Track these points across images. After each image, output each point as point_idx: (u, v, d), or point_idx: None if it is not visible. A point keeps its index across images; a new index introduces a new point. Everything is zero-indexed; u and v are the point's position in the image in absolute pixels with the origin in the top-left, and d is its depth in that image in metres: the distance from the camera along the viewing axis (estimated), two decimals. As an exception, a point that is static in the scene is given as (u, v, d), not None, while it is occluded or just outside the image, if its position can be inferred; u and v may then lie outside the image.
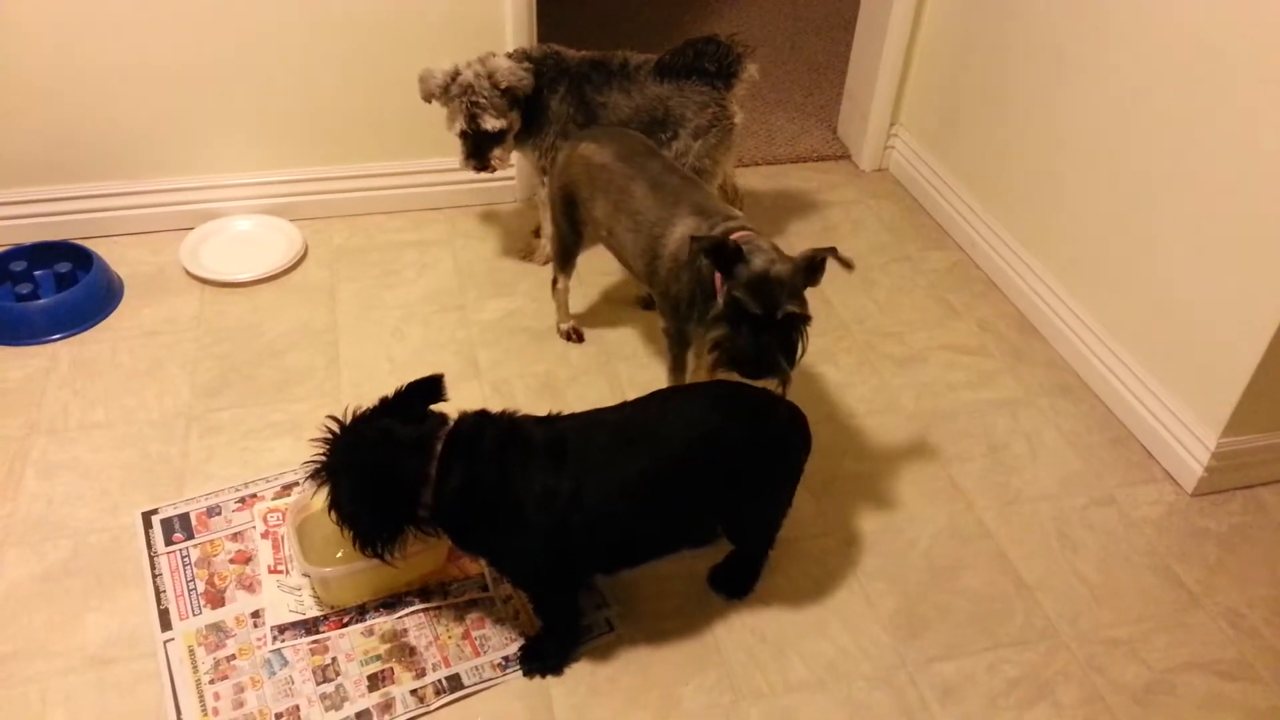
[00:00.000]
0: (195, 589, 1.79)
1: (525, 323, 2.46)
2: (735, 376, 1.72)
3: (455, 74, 2.24)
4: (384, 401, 1.57)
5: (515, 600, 1.80)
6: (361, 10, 2.51)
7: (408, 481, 1.51)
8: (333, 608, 1.77)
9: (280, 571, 1.83)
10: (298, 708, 1.62)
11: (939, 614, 1.83)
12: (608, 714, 1.65)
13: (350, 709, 1.62)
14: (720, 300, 1.73)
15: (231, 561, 1.84)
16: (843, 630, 1.80)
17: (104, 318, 2.39)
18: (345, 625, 1.74)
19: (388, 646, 1.72)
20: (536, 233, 2.69)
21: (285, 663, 1.68)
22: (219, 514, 1.93)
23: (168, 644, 1.70)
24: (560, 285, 2.35)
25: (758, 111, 3.36)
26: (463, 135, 2.30)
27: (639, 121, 2.35)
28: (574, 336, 2.43)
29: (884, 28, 2.90)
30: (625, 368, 2.34)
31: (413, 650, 1.71)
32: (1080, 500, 2.07)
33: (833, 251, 1.69)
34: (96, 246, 2.51)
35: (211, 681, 1.65)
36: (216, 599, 1.78)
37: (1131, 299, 2.22)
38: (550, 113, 2.36)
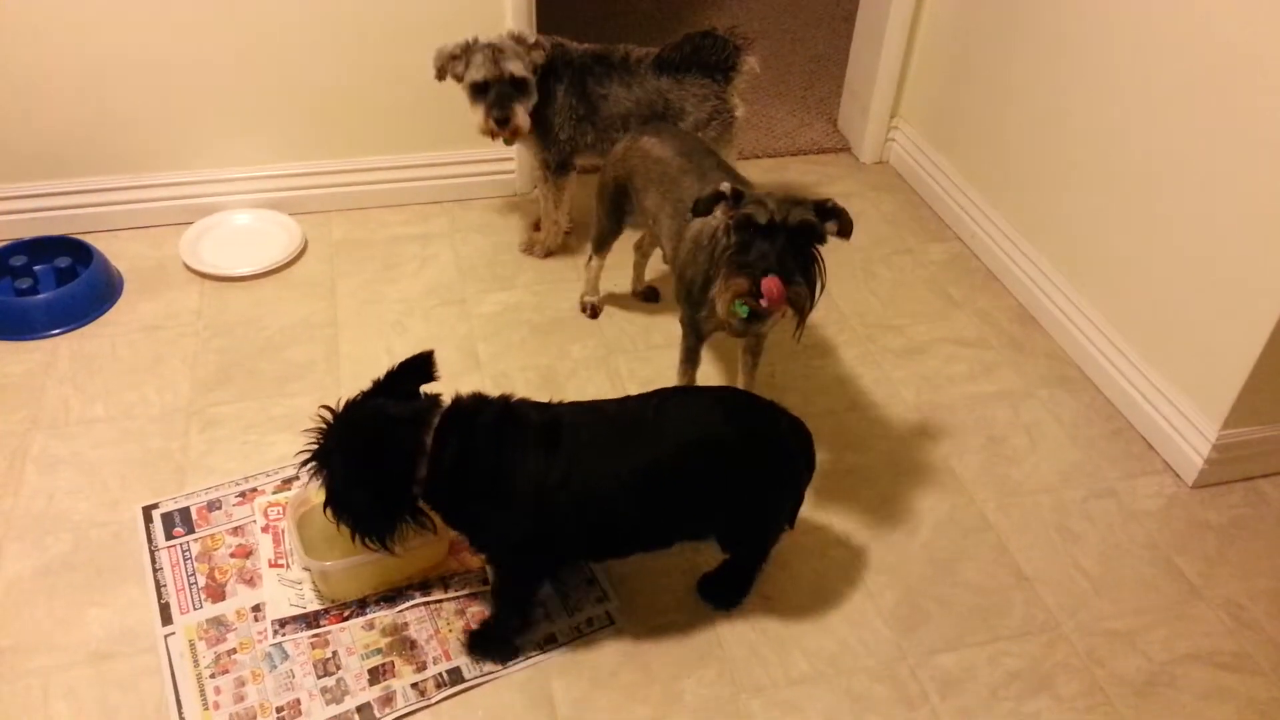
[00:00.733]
0: (196, 583, 1.79)
1: (526, 316, 2.46)
2: (744, 319, 1.63)
3: (475, 39, 2.23)
4: (377, 383, 1.58)
5: (516, 594, 1.80)
6: (361, 3, 2.50)
7: (403, 454, 1.51)
8: (333, 601, 1.77)
9: (281, 565, 1.83)
10: (298, 701, 1.62)
11: (939, 606, 1.83)
12: (608, 707, 1.65)
13: (351, 702, 1.62)
14: (730, 238, 1.66)
15: (232, 556, 1.84)
16: (843, 623, 1.80)
17: (104, 312, 2.39)
18: (346, 619, 1.75)
19: (388, 640, 1.72)
20: (536, 226, 2.69)
21: (286, 656, 1.69)
22: (219, 508, 1.93)
23: (168, 638, 1.70)
24: (594, 264, 2.38)
25: (758, 104, 3.35)
26: (482, 86, 2.22)
27: (640, 114, 2.35)
28: (589, 310, 2.44)
29: (884, 20, 2.89)
30: (625, 361, 2.34)
31: (413, 644, 1.71)
32: (1080, 492, 2.07)
33: (839, 207, 1.65)
34: (96, 241, 2.51)
35: (212, 675, 1.65)
36: (217, 593, 1.78)
37: (1132, 291, 2.22)
38: (554, 104, 2.36)
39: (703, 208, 1.72)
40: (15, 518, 1.90)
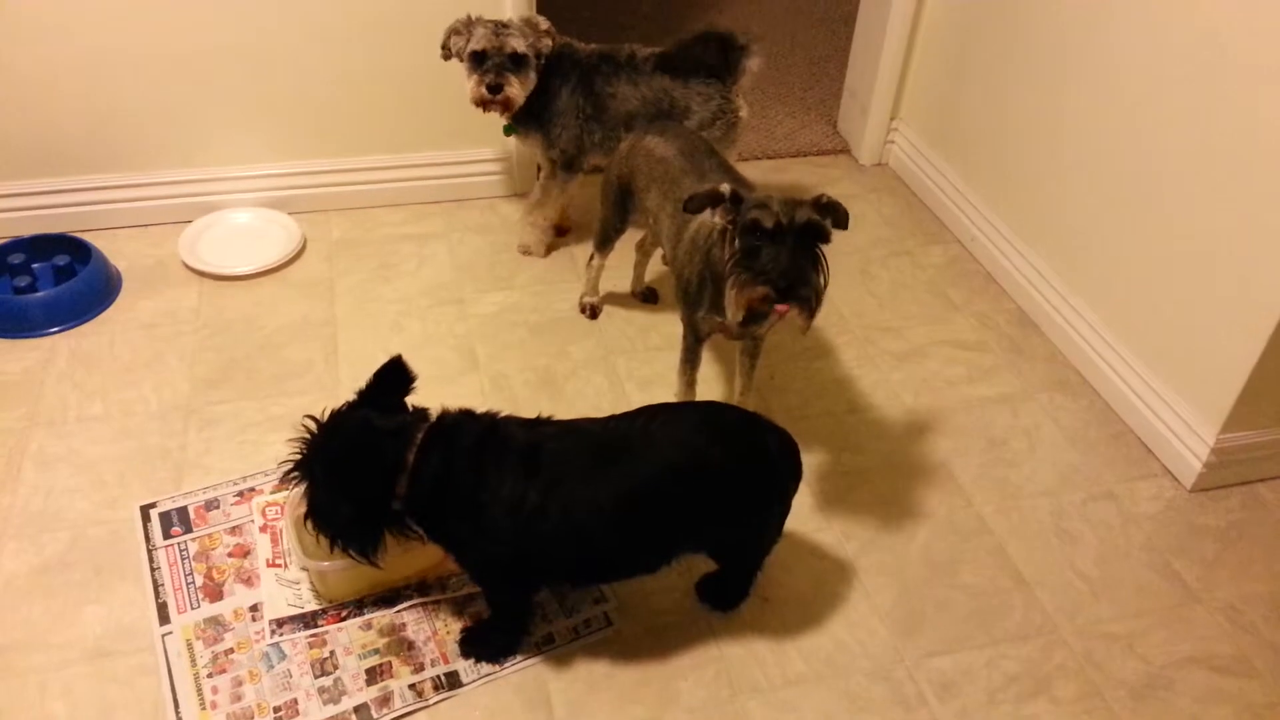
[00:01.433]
0: (193, 582, 1.79)
1: (524, 316, 2.46)
2: (761, 307, 1.63)
3: (481, 16, 2.24)
4: (362, 393, 1.57)
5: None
6: (361, 3, 2.50)
7: (385, 467, 1.50)
8: (331, 601, 1.77)
9: (279, 565, 1.83)
10: (296, 701, 1.62)
11: (937, 609, 1.84)
12: (606, 709, 1.65)
13: (348, 703, 1.62)
14: (736, 244, 1.67)
15: (230, 555, 1.84)
16: (841, 625, 1.80)
17: (102, 310, 2.39)
18: (343, 619, 1.74)
19: (386, 640, 1.72)
20: (558, 229, 2.69)
21: (283, 656, 1.68)
22: (217, 507, 1.92)
23: (166, 637, 1.70)
24: (595, 263, 2.38)
25: (758, 105, 3.35)
26: (480, 56, 2.22)
27: (646, 113, 2.36)
28: (588, 311, 2.44)
29: (884, 22, 2.89)
30: (624, 361, 2.34)
31: (411, 645, 1.71)
32: (1079, 496, 2.07)
33: (835, 201, 1.65)
34: (95, 239, 2.51)
35: (210, 675, 1.65)
36: (215, 592, 1.78)
37: (1131, 294, 2.22)
38: (561, 103, 2.37)
39: (695, 205, 1.71)
40: (13, 516, 1.89)
